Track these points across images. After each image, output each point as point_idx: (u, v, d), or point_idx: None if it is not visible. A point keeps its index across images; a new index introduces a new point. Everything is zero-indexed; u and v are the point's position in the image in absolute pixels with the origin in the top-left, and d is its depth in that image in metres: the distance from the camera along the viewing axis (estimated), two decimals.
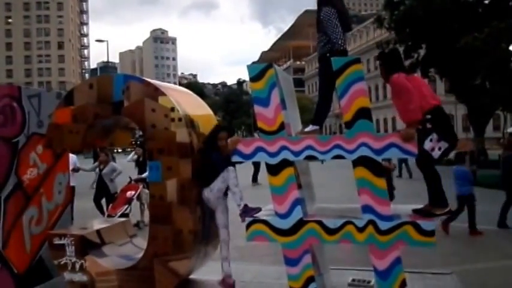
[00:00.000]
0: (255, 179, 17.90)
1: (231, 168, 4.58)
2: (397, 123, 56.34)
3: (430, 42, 21.43)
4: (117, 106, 4.84)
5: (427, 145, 3.96)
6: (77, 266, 4.93)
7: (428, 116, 4.00)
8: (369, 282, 5.01)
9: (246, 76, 4.43)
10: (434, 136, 3.96)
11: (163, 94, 4.71)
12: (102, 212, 9.41)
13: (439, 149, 3.95)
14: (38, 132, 5.59)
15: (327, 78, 4.41)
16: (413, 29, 21.45)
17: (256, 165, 17.48)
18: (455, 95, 24.38)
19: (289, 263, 4.20)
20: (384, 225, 3.94)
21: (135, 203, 9.67)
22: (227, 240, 4.80)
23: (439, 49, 20.72)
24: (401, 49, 23.32)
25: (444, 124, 4.08)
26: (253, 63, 4.49)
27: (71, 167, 9.05)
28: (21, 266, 5.33)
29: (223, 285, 4.80)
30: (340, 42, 4.33)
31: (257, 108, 4.27)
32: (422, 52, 23.07)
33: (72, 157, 9.49)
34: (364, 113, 3.98)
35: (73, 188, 9.22)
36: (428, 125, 4.00)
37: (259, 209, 4.45)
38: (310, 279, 4.14)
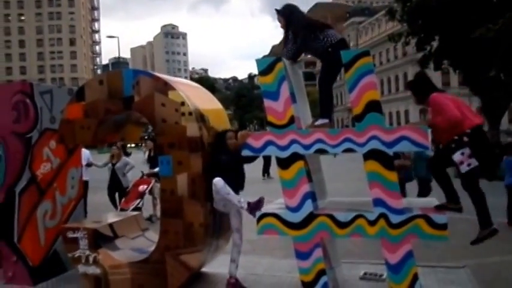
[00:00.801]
0: (265, 172, 17.89)
1: (215, 181, 4.54)
2: (410, 115, 55.85)
3: (443, 34, 21.12)
4: (128, 101, 4.87)
5: (457, 157, 3.92)
6: (91, 259, 5.00)
7: (468, 131, 3.95)
8: (381, 275, 5.00)
9: (256, 70, 4.45)
10: (467, 151, 3.90)
11: (173, 88, 4.72)
12: (116, 206, 9.48)
13: (468, 165, 3.90)
14: (51, 127, 5.65)
15: (329, 72, 4.54)
16: (426, 21, 21.12)
17: (267, 159, 17.47)
18: (469, 88, 24.05)
19: (300, 257, 4.21)
20: (395, 219, 3.92)
21: (148, 197, 9.73)
22: (239, 244, 4.81)
23: (452, 41, 20.42)
24: (413, 41, 23.02)
25: (482, 144, 4.00)
26: (264, 56, 4.52)
27: (84, 162, 9.16)
28: (36, 258, 5.41)
29: (227, 286, 4.83)
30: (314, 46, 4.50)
31: (267, 102, 4.26)
32: (435, 44, 22.76)
33: (85, 152, 9.58)
34: (374, 106, 3.96)
35: (86, 182, 9.33)
36: (466, 139, 3.94)
37: (261, 199, 4.48)
38: (321, 273, 4.15)
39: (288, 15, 4.65)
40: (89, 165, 9.61)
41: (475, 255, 6.39)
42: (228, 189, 4.55)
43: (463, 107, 4.11)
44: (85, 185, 9.39)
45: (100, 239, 5.10)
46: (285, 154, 4.20)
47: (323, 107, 4.63)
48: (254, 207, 4.44)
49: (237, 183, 4.78)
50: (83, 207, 6.38)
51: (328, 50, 4.46)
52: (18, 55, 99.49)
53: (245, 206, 4.51)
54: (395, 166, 6.19)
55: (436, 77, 51.13)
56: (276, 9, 4.75)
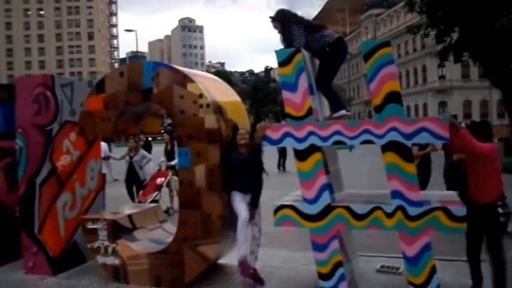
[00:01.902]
0: (281, 166, 17.85)
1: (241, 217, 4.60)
2: (428, 109, 55.13)
3: (463, 25, 20.72)
4: (147, 93, 4.92)
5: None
6: (109, 249, 5.08)
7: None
8: (397, 268, 4.98)
9: (273, 63, 4.47)
10: None
11: (191, 81, 4.75)
12: (133, 199, 9.58)
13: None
14: (71, 120, 5.71)
15: (328, 71, 4.65)
16: (445, 12, 20.72)
17: (282, 153, 17.44)
18: (489, 80, 23.62)
19: (316, 249, 4.20)
20: (413, 211, 3.89)
21: (165, 190, 9.82)
22: (258, 237, 4.82)
23: (472, 32, 20.02)
24: (433, 33, 22.63)
25: None
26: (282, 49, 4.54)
27: (102, 155, 9.26)
28: (56, 249, 5.49)
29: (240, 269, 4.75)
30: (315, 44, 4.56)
31: (285, 94, 4.25)
32: (455, 36, 22.36)
33: (102, 145, 9.68)
34: (394, 97, 3.92)
35: (104, 175, 9.48)
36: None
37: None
38: (338, 265, 4.14)
39: (282, 19, 4.69)
40: (106, 158, 9.70)
41: None
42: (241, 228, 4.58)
43: None
44: (103, 177, 9.52)
45: (119, 230, 5.17)
46: (302, 146, 4.19)
47: (333, 102, 4.70)
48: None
49: (249, 184, 4.74)
50: (102, 199, 6.44)
51: (325, 49, 4.53)
52: (37, 49, 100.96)
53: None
54: (455, 160, 6.16)
55: (455, 69, 50.40)
56: (270, 17, 4.79)
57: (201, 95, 4.67)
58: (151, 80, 4.88)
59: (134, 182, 9.73)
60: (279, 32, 4.74)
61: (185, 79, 4.77)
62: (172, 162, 9.94)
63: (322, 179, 4.15)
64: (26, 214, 5.57)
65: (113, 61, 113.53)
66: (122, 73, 5.10)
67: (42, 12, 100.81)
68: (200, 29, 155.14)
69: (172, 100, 4.78)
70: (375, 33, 68.72)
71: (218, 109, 4.75)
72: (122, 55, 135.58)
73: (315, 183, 4.16)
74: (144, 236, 5.39)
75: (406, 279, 4.06)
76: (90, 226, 5.17)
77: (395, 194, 3.93)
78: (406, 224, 3.91)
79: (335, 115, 4.55)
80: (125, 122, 5.35)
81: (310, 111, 4.17)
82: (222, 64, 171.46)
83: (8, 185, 6.03)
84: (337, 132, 4.09)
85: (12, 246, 5.84)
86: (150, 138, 19.62)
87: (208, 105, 4.65)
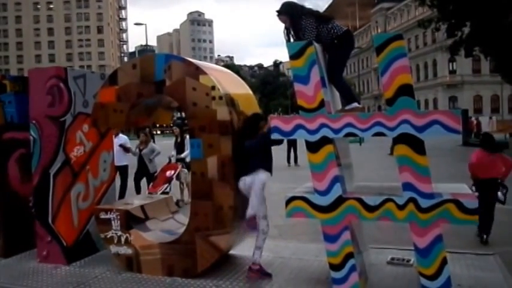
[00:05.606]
0: (293, 159, 17.82)
1: (258, 178, 4.58)
2: (438, 104, 54.77)
3: (475, 20, 20.53)
4: (159, 85, 4.96)
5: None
6: (122, 239, 5.14)
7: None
8: (408, 260, 5.00)
9: (282, 57, 4.48)
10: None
11: (204, 73, 4.78)
12: (138, 191, 9.63)
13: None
14: (83, 111, 5.77)
15: (337, 63, 4.65)
16: (457, 6, 20.57)
17: (293, 146, 17.40)
18: (500, 75, 23.44)
19: (328, 240, 4.23)
20: (424, 203, 3.90)
21: (175, 182, 9.88)
22: (266, 231, 4.76)
23: (484, 27, 19.83)
24: (444, 27, 22.45)
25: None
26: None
27: (117, 147, 9.32)
28: (69, 239, 5.56)
29: (249, 271, 4.78)
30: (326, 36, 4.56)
31: (297, 86, 4.27)
32: (466, 30, 22.16)
33: (123, 138, 9.73)
34: (406, 90, 3.92)
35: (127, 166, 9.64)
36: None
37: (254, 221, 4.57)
38: (349, 256, 4.17)
39: (290, 12, 4.65)
40: (126, 150, 9.66)
41: (506, 244, 6.30)
42: (260, 191, 4.59)
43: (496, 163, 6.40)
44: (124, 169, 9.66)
45: (132, 220, 5.23)
46: (314, 138, 4.21)
47: (346, 95, 4.69)
48: (250, 224, 4.62)
49: (268, 166, 4.77)
50: (114, 189, 6.51)
51: (334, 41, 4.52)
52: (47, 43, 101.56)
53: (251, 214, 4.59)
54: None
55: (466, 64, 49.87)
56: (276, 11, 4.74)
57: (213, 87, 4.70)
58: (164, 72, 4.92)
59: (144, 174, 9.82)
60: (286, 26, 4.71)
61: (197, 71, 4.81)
62: (182, 155, 10.01)
63: (334, 171, 4.18)
64: (40, 204, 5.64)
65: (122, 55, 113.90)
66: (135, 65, 5.14)
67: (51, 6, 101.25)
68: (209, 22, 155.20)
69: (184, 92, 4.82)
70: (385, 27, 68.24)
71: (230, 101, 4.79)
72: (131, 49, 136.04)
73: (326, 175, 4.19)
74: (156, 227, 5.45)
75: (417, 270, 4.08)
76: (103, 216, 5.24)
77: (407, 186, 3.95)
78: (418, 216, 3.92)
79: (347, 107, 4.56)
80: (137, 114, 5.40)
81: (322, 104, 4.18)
82: (231, 58, 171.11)
83: (22, 176, 6.11)
84: (349, 125, 4.10)
85: (26, 235, 5.93)
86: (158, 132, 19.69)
87: (220, 98, 4.69)
